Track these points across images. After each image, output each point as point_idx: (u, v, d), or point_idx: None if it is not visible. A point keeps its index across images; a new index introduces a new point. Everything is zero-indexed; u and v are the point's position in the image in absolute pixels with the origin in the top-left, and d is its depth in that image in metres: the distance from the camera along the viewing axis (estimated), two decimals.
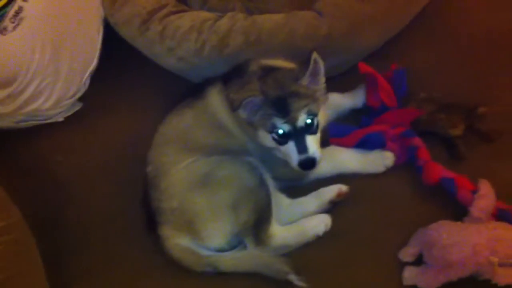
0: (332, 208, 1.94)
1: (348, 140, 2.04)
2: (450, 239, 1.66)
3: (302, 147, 1.81)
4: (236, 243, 1.89)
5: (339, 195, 1.94)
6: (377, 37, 2.34)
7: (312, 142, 1.82)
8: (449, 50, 2.42)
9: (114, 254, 2.01)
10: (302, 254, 1.87)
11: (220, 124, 1.97)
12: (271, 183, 1.92)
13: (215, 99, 1.97)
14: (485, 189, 1.79)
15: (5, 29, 2.17)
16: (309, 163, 1.81)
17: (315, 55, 1.79)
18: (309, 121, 1.81)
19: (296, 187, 2.00)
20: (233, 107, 1.82)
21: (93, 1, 2.43)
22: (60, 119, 2.40)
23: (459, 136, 2.02)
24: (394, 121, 2.04)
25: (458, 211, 1.83)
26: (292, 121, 1.80)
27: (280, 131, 1.81)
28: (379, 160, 2.01)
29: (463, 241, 1.65)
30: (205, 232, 1.86)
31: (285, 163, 1.89)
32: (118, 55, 2.51)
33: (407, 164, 2.01)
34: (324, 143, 2.01)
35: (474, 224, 1.70)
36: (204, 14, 2.31)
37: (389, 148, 2.00)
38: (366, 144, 2.02)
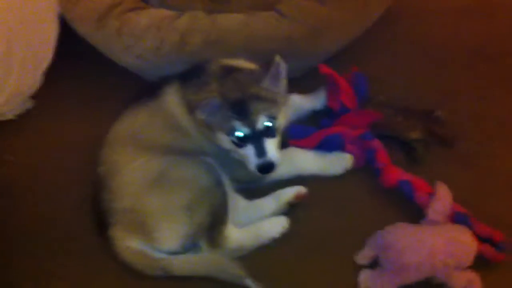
0: (290, 210, 1.91)
1: (307, 141, 2.02)
2: (406, 241, 1.65)
3: (260, 151, 1.78)
4: (191, 246, 1.83)
5: (298, 197, 1.91)
6: (337, 41, 2.35)
7: (271, 145, 1.80)
8: (409, 55, 2.46)
9: (61, 257, 1.93)
10: (258, 257, 1.83)
11: (176, 124, 1.91)
12: (227, 184, 1.88)
13: (171, 98, 1.92)
14: (442, 191, 1.79)
15: None
16: (267, 167, 1.79)
17: (277, 58, 1.76)
18: (268, 124, 1.78)
19: (254, 188, 1.97)
20: (191, 109, 1.78)
21: None
22: (11, 116, 2.31)
23: (417, 140, 2.03)
24: (353, 123, 2.03)
25: (416, 214, 1.82)
26: (251, 124, 1.77)
27: (239, 134, 1.78)
28: (338, 162, 2.00)
29: (419, 243, 1.64)
30: (158, 233, 1.79)
31: (243, 165, 1.86)
32: (73, 52, 2.45)
33: (365, 166, 2.00)
34: (283, 144, 1.99)
35: (431, 227, 1.70)
36: (163, 12, 2.28)
37: (348, 150, 1.99)
38: (325, 146, 2.01)
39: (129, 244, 1.81)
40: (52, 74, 2.42)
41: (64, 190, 2.11)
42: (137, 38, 2.21)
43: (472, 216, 1.77)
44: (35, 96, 2.38)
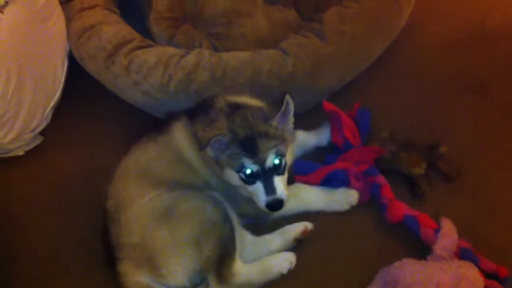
0: (297, 246, 1.93)
1: (313, 177, 2.04)
2: (414, 277, 1.67)
3: (270, 188, 1.79)
4: (198, 281, 1.84)
5: (304, 232, 1.93)
6: (339, 77, 2.39)
7: (280, 182, 1.81)
8: (410, 89, 2.49)
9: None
10: None
11: (184, 159, 1.93)
12: (235, 219, 1.89)
13: (179, 134, 1.94)
14: (447, 227, 1.81)
15: None
16: (276, 205, 1.80)
17: (287, 97, 1.78)
18: (277, 161, 1.80)
19: (261, 224, 1.99)
20: (201, 146, 1.79)
21: (58, 34, 2.41)
22: (20, 153, 2.34)
23: (421, 175, 2.05)
24: (358, 159, 2.06)
25: (421, 250, 1.84)
26: (260, 162, 1.78)
27: (248, 171, 1.80)
28: (343, 198, 2.02)
29: (427, 279, 1.66)
30: (166, 269, 1.80)
31: (250, 200, 1.87)
32: (81, 89, 2.50)
33: (370, 201, 2.03)
34: (289, 180, 2.01)
35: (438, 263, 1.72)
36: (171, 50, 2.32)
37: (353, 185, 2.01)
38: (330, 182, 2.03)
39: (137, 279, 1.82)
40: (60, 108, 2.45)
41: (69, 224, 2.14)
42: (145, 75, 2.24)
43: (476, 251, 1.79)
44: (42, 132, 2.41)
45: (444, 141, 2.15)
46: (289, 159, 1.88)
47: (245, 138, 1.78)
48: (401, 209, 1.91)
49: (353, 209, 2.02)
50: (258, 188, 1.80)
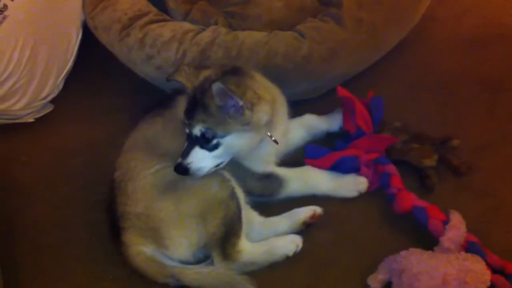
0: (305, 230, 1.91)
1: (322, 162, 2.03)
2: (420, 267, 1.66)
3: (185, 153, 1.80)
4: (202, 257, 1.84)
5: (313, 217, 1.91)
6: (354, 64, 2.37)
7: (199, 154, 1.79)
8: (422, 83, 2.47)
9: (70, 258, 1.96)
10: (268, 274, 1.84)
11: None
12: (243, 199, 1.88)
13: (183, 106, 1.92)
14: (456, 220, 1.80)
15: None
16: (180, 169, 1.79)
17: (216, 85, 1.68)
18: (199, 134, 1.78)
19: (269, 205, 1.98)
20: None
21: (73, 4, 2.39)
22: (30, 119, 2.34)
23: (431, 167, 2.04)
24: (369, 147, 2.04)
25: (427, 242, 1.83)
26: (189, 126, 1.79)
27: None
28: (352, 185, 2.01)
29: (433, 270, 1.64)
30: (170, 240, 1.80)
31: (256, 176, 1.91)
32: (94, 60, 2.49)
33: (378, 190, 2.01)
34: (299, 163, 2.02)
35: (445, 254, 1.70)
36: (186, 25, 2.30)
37: (363, 173, 2.00)
38: (340, 167, 2.02)
39: (141, 249, 1.82)
40: (71, 79, 2.44)
41: (73, 194, 2.15)
42: (159, 49, 2.23)
43: (483, 246, 1.78)
44: (53, 100, 2.39)
45: (456, 135, 2.12)
46: (239, 146, 1.83)
47: (193, 98, 1.79)
48: (410, 199, 1.89)
49: (361, 196, 2.01)
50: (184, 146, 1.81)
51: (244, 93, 1.72)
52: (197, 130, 1.77)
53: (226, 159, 1.85)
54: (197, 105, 1.76)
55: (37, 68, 2.26)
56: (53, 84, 2.37)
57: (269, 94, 1.84)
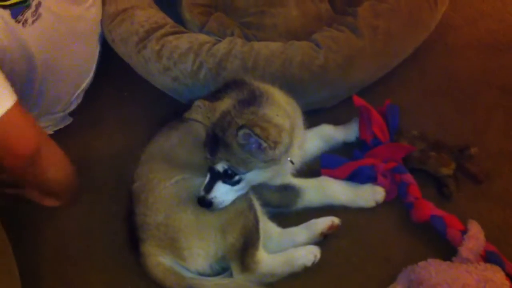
0: (323, 240, 1.92)
1: (339, 172, 2.03)
2: (439, 278, 1.66)
3: (208, 187, 1.79)
4: (219, 270, 1.86)
5: (331, 227, 1.92)
6: (370, 72, 2.36)
7: (221, 189, 1.79)
8: (439, 89, 2.45)
9: (90, 269, 1.99)
10: (287, 285, 1.85)
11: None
12: (261, 210, 1.90)
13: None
14: (475, 230, 1.79)
15: (26, 21, 2.03)
16: (203, 203, 1.79)
17: (243, 131, 1.68)
18: (221, 170, 1.77)
19: (287, 216, 1.98)
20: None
21: (93, 16, 2.41)
22: (50, 132, 2.35)
23: (449, 175, 2.03)
24: (386, 156, 2.04)
25: (446, 251, 1.83)
26: (212, 162, 1.79)
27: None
28: (369, 195, 2.00)
29: (452, 280, 1.64)
30: (188, 251, 1.82)
31: (273, 189, 1.91)
32: (113, 72, 2.52)
33: (396, 200, 2.01)
34: (315, 173, 2.02)
35: (463, 264, 1.70)
36: (203, 37, 2.32)
37: (380, 182, 2.00)
38: (357, 177, 2.02)
39: (160, 260, 1.84)
40: (91, 91, 2.48)
41: (94, 204, 2.17)
42: (176, 61, 2.24)
43: (502, 255, 1.77)
44: (72, 113, 2.43)
45: (475, 142, 2.12)
46: (259, 178, 1.84)
47: (213, 134, 1.78)
48: (428, 208, 1.89)
49: (379, 206, 2.00)
50: (205, 179, 1.81)
51: (268, 135, 1.70)
52: (219, 167, 1.77)
53: (247, 189, 1.86)
54: (218, 142, 1.75)
55: (58, 79, 2.26)
56: (72, 95, 2.38)
57: (288, 119, 1.82)
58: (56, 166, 1.93)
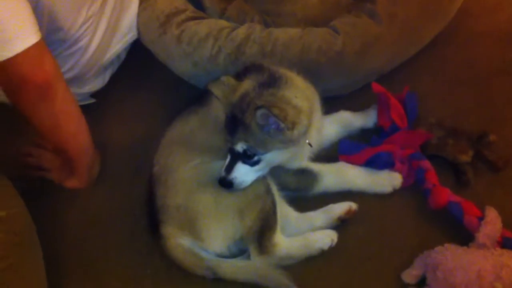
0: (340, 225, 1.93)
1: (357, 158, 2.04)
2: (455, 262, 1.67)
3: (229, 167, 1.82)
4: (237, 252, 1.89)
5: (349, 212, 1.93)
6: (387, 59, 2.36)
7: (241, 169, 1.82)
8: (458, 78, 2.44)
9: (110, 253, 2.03)
10: (304, 268, 1.87)
11: (222, 128, 1.93)
12: (279, 195, 1.92)
13: (217, 104, 1.96)
14: (492, 216, 1.80)
15: None
16: (225, 183, 1.83)
17: (261, 111, 1.69)
18: (241, 150, 1.80)
19: (305, 200, 2.00)
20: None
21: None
22: None
23: (467, 162, 2.03)
24: (403, 143, 2.04)
25: (463, 236, 1.83)
26: (231, 143, 1.81)
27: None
28: (387, 181, 2.01)
29: (468, 265, 1.65)
30: (207, 233, 1.85)
31: (289, 171, 1.94)
32: (132, 60, 2.58)
33: (413, 186, 2.02)
34: (333, 159, 2.04)
35: (480, 250, 1.71)
36: (222, 23, 2.33)
37: (398, 169, 2.00)
38: (374, 163, 2.03)
39: (179, 242, 1.87)
40: (111, 78, 2.53)
41: (115, 189, 2.20)
42: (195, 46, 2.26)
43: None
44: (93, 95, 2.46)
45: (493, 130, 2.11)
46: (280, 159, 1.87)
47: (232, 115, 1.80)
48: (445, 194, 1.89)
49: (396, 192, 2.01)
50: (226, 160, 1.84)
51: (286, 115, 1.72)
52: (239, 147, 1.80)
53: (266, 170, 1.89)
54: (237, 123, 1.78)
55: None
56: (102, 78, 2.44)
57: (307, 102, 1.84)
58: (72, 114, 1.98)
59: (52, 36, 2.10)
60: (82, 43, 2.22)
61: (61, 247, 2.04)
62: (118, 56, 2.51)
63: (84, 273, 1.99)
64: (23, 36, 1.69)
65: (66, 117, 1.93)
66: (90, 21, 2.21)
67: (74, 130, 2.00)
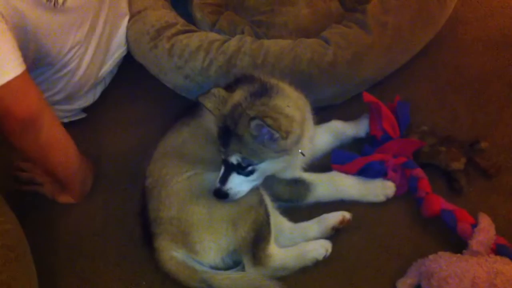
0: (334, 235, 1.93)
1: (349, 167, 2.04)
2: (449, 270, 1.67)
3: (223, 179, 1.82)
4: (231, 264, 1.88)
5: (342, 222, 1.93)
6: (379, 68, 2.37)
7: (236, 180, 1.82)
8: (450, 85, 2.45)
9: (105, 265, 2.01)
10: (299, 278, 1.86)
11: (215, 140, 1.93)
12: (272, 205, 1.92)
13: (209, 115, 1.95)
14: (485, 223, 1.80)
15: (57, 1, 2.03)
16: (220, 195, 1.83)
17: (254, 122, 1.69)
18: (235, 162, 1.80)
19: (298, 211, 2.00)
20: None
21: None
22: (65, 120, 2.36)
23: (460, 170, 2.03)
24: (396, 151, 2.05)
25: (457, 244, 1.83)
26: (225, 155, 1.81)
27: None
28: (379, 189, 2.01)
29: (462, 272, 1.65)
30: (200, 245, 1.84)
31: (282, 181, 1.94)
32: (126, 72, 2.58)
33: (407, 194, 2.02)
34: (325, 168, 2.04)
35: (474, 257, 1.71)
36: (213, 35, 2.35)
37: (390, 177, 2.01)
38: (367, 172, 2.03)
39: (173, 254, 1.86)
40: (104, 90, 2.54)
41: (109, 201, 2.19)
42: (187, 59, 2.27)
43: None
44: (85, 110, 2.46)
45: (485, 137, 2.13)
46: (273, 169, 1.88)
47: (224, 126, 1.80)
48: (438, 203, 1.89)
49: (390, 200, 2.01)
50: (220, 171, 1.84)
51: (280, 125, 1.72)
52: (233, 159, 1.80)
53: (261, 180, 1.89)
54: (230, 135, 1.78)
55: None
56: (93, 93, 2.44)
57: (299, 111, 1.84)
58: (58, 144, 1.96)
59: (40, 61, 2.09)
60: (71, 66, 2.22)
61: (55, 260, 2.03)
62: (110, 71, 2.51)
63: (78, 286, 1.98)
64: (4, 69, 1.68)
65: (52, 148, 1.93)
66: (79, 45, 2.21)
67: (62, 159, 2.00)
